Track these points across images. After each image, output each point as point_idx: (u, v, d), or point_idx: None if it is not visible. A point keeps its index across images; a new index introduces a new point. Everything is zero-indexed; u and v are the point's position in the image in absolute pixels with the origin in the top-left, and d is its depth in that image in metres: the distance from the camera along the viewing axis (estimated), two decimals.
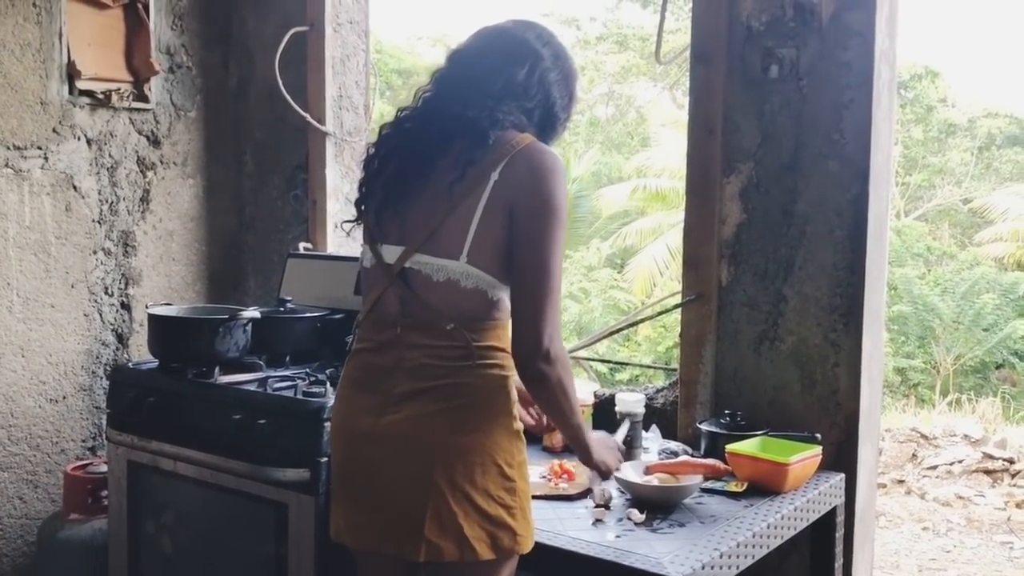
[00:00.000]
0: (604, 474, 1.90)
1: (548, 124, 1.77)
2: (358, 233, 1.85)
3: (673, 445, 2.36)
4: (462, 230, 1.62)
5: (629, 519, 1.86)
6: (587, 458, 1.83)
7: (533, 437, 2.44)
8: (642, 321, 9.83)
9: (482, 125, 1.65)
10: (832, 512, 2.16)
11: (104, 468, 2.80)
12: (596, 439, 1.85)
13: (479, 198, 1.62)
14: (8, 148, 2.89)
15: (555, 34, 1.80)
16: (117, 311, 3.22)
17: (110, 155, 3.16)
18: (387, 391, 1.67)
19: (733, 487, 2.04)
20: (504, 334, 1.68)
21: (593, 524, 1.85)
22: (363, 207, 1.78)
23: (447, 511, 1.60)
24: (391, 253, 1.70)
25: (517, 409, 1.70)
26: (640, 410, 2.28)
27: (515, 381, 1.69)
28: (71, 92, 3.03)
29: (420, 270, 1.66)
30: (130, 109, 3.20)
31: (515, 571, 1.71)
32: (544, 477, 2.11)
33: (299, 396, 2.29)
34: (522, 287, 1.62)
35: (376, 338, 1.72)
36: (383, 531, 1.67)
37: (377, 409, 1.68)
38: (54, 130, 3.01)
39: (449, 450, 1.61)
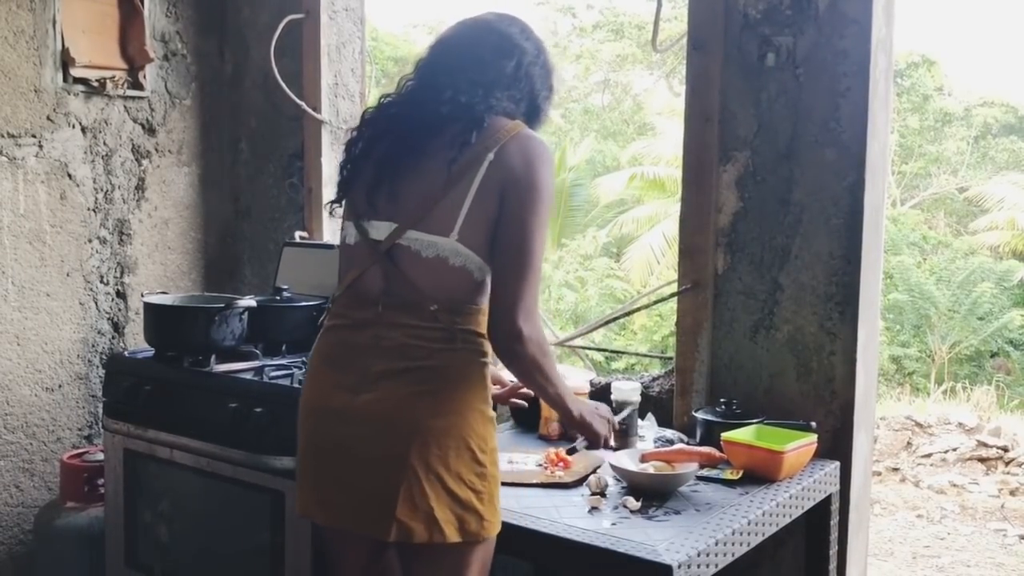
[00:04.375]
0: (591, 437, 1.89)
1: (533, 114, 1.82)
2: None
3: (669, 433, 2.36)
4: (455, 209, 1.65)
5: (625, 507, 1.87)
6: (570, 420, 1.85)
7: (529, 425, 2.45)
8: (638, 310, 9.83)
9: (477, 109, 1.69)
10: (827, 500, 2.17)
11: (100, 456, 2.80)
12: (586, 405, 1.88)
13: (474, 178, 1.65)
14: (2, 136, 2.88)
15: (533, 29, 1.86)
16: (113, 299, 3.22)
17: (105, 143, 3.15)
18: (363, 369, 1.69)
19: (729, 475, 2.04)
20: (484, 320, 1.71)
21: (589, 512, 1.85)
22: (348, 187, 1.80)
23: (420, 492, 1.62)
24: (379, 230, 1.72)
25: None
26: (636, 398, 2.29)
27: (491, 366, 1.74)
28: (65, 80, 3.02)
29: (409, 246, 1.68)
30: (125, 97, 3.19)
31: (490, 557, 1.72)
32: (540, 465, 2.11)
33: (295, 385, 2.30)
34: (503, 267, 1.66)
35: (354, 315, 1.73)
36: (354, 509, 1.69)
37: (352, 387, 1.69)
38: (48, 118, 3.00)
39: (425, 432, 1.63)
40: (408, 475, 1.62)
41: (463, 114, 1.68)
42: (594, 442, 1.91)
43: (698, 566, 1.66)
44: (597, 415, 1.89)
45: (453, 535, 1.63)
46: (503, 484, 1.97)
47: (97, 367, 3.16)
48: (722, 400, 2.32)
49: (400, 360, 1.66)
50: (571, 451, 2.02)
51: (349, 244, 1.78)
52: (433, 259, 1.66)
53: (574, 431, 1.92)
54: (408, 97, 1.77)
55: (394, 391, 1.65)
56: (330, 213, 1.93)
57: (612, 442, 1.98)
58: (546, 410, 2.40)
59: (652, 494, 1.92)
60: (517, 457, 2.17)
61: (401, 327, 1.67)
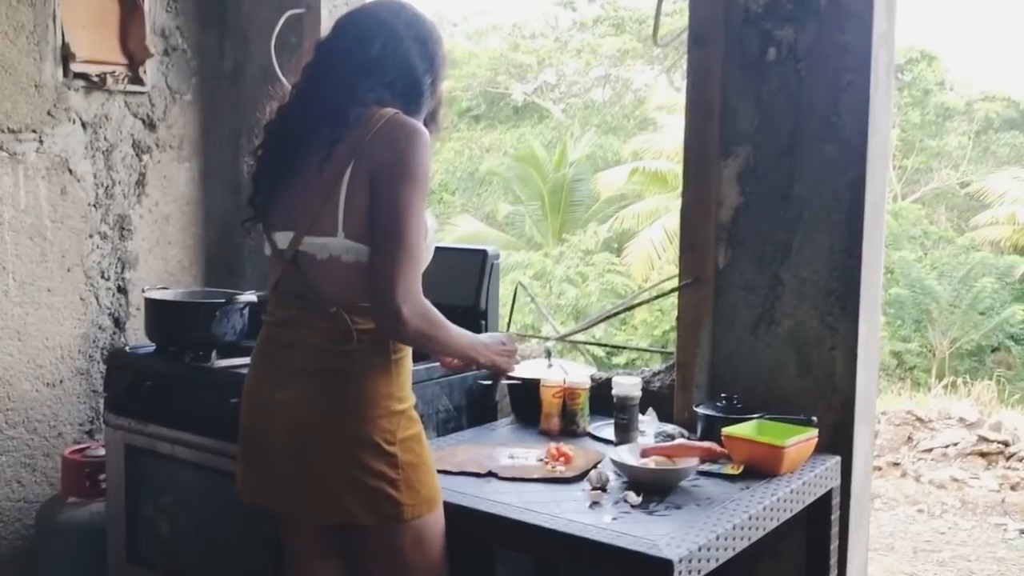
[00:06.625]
0: (500, 373, 2.03)
1: (413, 92, 1.80)
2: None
3: (670, 428, 2.36)
4: (334, 207, 1.68)
5: (626, 501, 1.87)
6: (480, 367, 2.01)
7: (530, 420, 2.45)
8: (639, 305, 9.85)
9: (343, 105, 1.71)
10: (828, 494, 2.17)
11: (102, 452, 2.80)
12: (485, 345, 1.93)
13: (343, 174, 1.68)
14: (3, 131, 2.88)
15: (411, 5, 1.85)
16: (114, 295, 3.22)
17: (105, 138, 3.15)
18: (284, 366, 1.77)
19: (729, 470, 2.04)
20: None
21: (590, 506, 1.85)
22: (254, 201, 1.84)
23: (326, 482, 1.71)
24: (283, 239, 1.77)
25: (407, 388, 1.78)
26: (637, 393, 2.29)
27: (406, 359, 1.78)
28: (66, 75, 3.01)
29: (307, 251, 1.73)
30: (125, 92, 3.18)
31: (429, 535, 1.76)
32: (541, 460, 2.11)
33: None
34: (377, 250, 1.67)
35: (279, 314, 1.81)
36: (270, 491, 1.80)
37: (273, 381, 1.78)
38: (49, 113, 2.99)
39: (328, 431, 1.71)
40: (315, 467, 1.71)
41: (332, 113, 1.71)
42: (504, 373, 2.05)
43: (699, 560, 1.66)
44: (496, 352, 1.95)
45: (365, 517, 1.71)
46: (506, 479, 1.99)
47: (98, 362, 3.16)
48: (723, 395, 2.32)
49: (313, 361, 1.73)
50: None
51: (267, 255, 1.84)
52: (328, 260, 1.70)
53: (483, 368, 2.05)
54: (294, 101, 1.80)
55: (303, 391, 1.73)
56: (248, 233, 1.94)
57: (516, 359, 2.04)
58: (547, 405, 2.40)
59: (653, 489, 1.92)
60: (518, 452, 2.17)
61: (313, 328, 1.73)
